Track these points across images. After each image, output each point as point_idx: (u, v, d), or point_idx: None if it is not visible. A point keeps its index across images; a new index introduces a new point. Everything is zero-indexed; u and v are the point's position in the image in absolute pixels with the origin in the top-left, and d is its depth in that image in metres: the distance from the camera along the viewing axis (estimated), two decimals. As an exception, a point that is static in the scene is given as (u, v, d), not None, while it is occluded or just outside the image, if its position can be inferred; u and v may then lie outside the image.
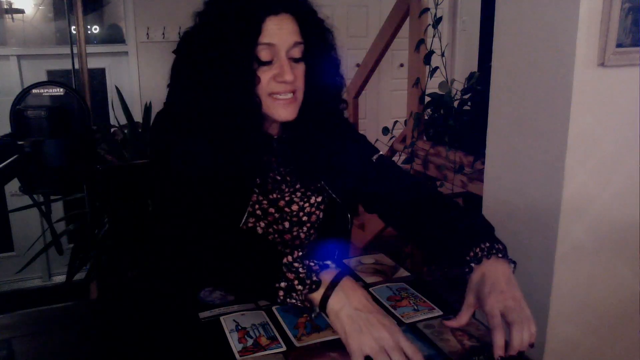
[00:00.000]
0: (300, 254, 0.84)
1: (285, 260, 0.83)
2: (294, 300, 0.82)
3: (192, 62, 0.99)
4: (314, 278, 0.82)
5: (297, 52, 0.99)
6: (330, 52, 1.06)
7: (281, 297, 0.83)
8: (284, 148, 1.08)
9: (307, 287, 0.82)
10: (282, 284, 0.82)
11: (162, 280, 1.07)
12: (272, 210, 1.05)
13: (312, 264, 0.84)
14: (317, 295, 0.82)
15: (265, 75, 0.97)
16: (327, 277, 0.83)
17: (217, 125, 0.98)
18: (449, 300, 0.97)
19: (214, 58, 0.96)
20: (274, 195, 1.06)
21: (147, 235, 1.04)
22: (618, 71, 1.39)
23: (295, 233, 1.08)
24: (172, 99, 1.05)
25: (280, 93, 0.98)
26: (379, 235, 2.95)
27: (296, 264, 0.83)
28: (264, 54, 0.96)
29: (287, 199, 1.07)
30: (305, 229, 1.09)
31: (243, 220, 1.02)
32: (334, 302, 0.81)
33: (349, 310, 0.80)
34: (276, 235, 1.06)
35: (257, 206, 1.04)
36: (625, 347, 1.64)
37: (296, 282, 0.82)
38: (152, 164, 1.09)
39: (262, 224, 1.04)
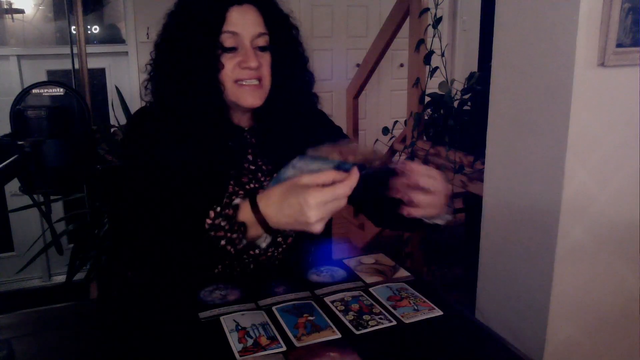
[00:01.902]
0: (218, 209, 0.88)
1: (206, 224, 0.87)
2: (245, 246, 0.87)
3: (161, 55, 1.04)
4: (238, 221, 0.86)
5: (261, 42, 1.03)
6: (296, 47, 1.10)
7: (232, 251, 0.88)
8: (257, 139, 1.11)
9: (239, 231, 0.86)
10: (222, 242, 0.87)
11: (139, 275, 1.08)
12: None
13: (228, 211, 0.88)
14: (255, 230, 0.87)
15: (229, 63, 1.01)
16: (246, 213, 0.87)
17: (185, 116, 1.01)
18: (449, 300, 0.97)
19: (179, 47, 1.00)
20: (251, 185, 1.08)
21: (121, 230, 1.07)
22: (618, 71, 1.39)
23: None
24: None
25: (245, 79, 1.01)
26: (379, 235, 2.95)
27: (217, 221, 0.87)
28: (227, 41, 1.00)
29: (265, 185, 1.08)
30: None
31: None
32: (273, 221, 0.85)
33: (281, 214, 0.83)
34: None
35: (233, 197, 1.05)
36: (625, 347, 1.64)
37: (228, 234, 0.86)
38: (123, 158, 1.11)
39: None
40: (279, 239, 1.12)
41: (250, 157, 1.10)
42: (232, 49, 1.01)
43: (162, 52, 1.04)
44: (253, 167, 1.10)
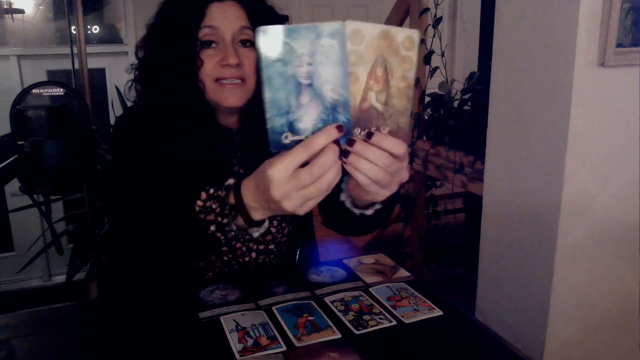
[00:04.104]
0: (211, 191, 0.83)
1: (197, 206, 0.82)
2: (233, 233, 0.81)
3: (143, 54, 1.02)
4: (229, 204, 0.80)
5: (244, 36, 0.98)
6: None
7: (223, 239, 0.82)
8: (245, 141, 1.07)
9: (229, 215, 0.80)
10: (212, 228, 0.81)
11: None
12: None
13: (220, 192, 0.82)
14: (239, 221, 0.81)
15: (210, 60, 0.97)
16: (232, 197, 0.80)
17: (167, 115, 0.98)
18: (449, 300, 0.97)
19: (158, 45, 0.98)
20: None
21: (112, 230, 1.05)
22: (618, 71, 1.39)
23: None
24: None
25: (226, 78, 0.97)
26: (379, 235, 2.95)
27: (208, 203, 0.82)
28: (206, 36, 0.97)
29: None
30: (275, 222, 1.09)
31: None
32: (255, 207, 0.77)
33: (259, 197, 0.75)
34: None
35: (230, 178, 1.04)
36: (625, 347, 1.64)
37: (219, 218, 0.81)
38: (112, 157, 1.09)
39: None
40: (271, 247, 1.10)
41: (238, 159, 1.07)
42: (211, 43, 0.97)
43: (144, 51, 1.03)
44: (242, 171, 1.07)
